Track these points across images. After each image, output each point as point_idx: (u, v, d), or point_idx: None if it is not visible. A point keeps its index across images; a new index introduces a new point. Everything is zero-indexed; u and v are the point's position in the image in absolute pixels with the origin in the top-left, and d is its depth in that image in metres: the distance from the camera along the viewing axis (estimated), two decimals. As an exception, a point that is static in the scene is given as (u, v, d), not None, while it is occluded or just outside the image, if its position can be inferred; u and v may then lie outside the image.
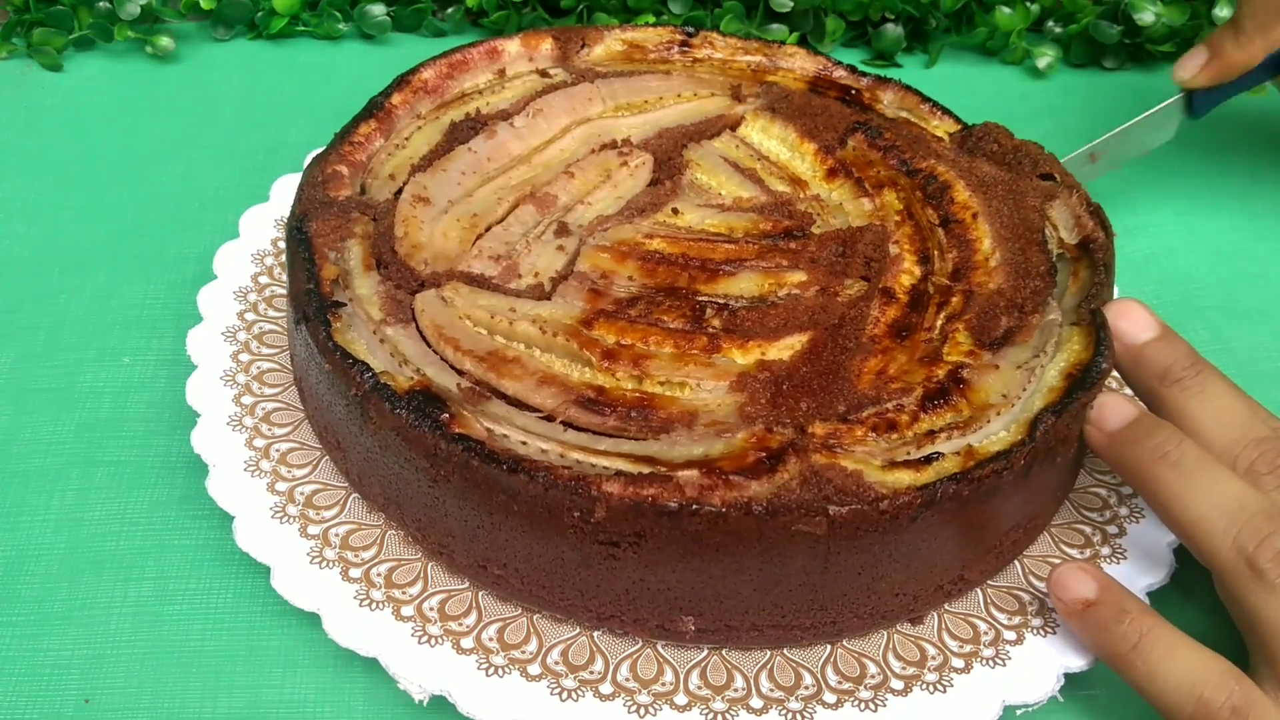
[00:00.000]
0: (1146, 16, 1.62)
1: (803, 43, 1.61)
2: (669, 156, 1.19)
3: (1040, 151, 1.18)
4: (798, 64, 1.33)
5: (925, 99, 1.27)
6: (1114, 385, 1.12)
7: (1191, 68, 1.25)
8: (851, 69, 1.32)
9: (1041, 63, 1.65)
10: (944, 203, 1.13)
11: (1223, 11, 1.65)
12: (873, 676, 0.93)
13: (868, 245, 1.08)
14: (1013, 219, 1.11)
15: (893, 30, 1.65)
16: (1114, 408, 0.97)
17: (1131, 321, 1.02)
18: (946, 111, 1.26)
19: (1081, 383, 0.95)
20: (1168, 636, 0.90)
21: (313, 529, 0.98)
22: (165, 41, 1.58)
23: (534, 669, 0.91)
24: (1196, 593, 1.03)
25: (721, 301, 1.02)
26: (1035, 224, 1.11)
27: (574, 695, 0.89)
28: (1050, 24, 1.69)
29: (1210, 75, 1.25)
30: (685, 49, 1.33)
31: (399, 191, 1.11)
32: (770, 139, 1.23)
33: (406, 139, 1.18)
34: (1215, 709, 0.86)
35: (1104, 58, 1.68)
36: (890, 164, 1.19)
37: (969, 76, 1.65)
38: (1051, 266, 1.07)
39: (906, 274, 1.06)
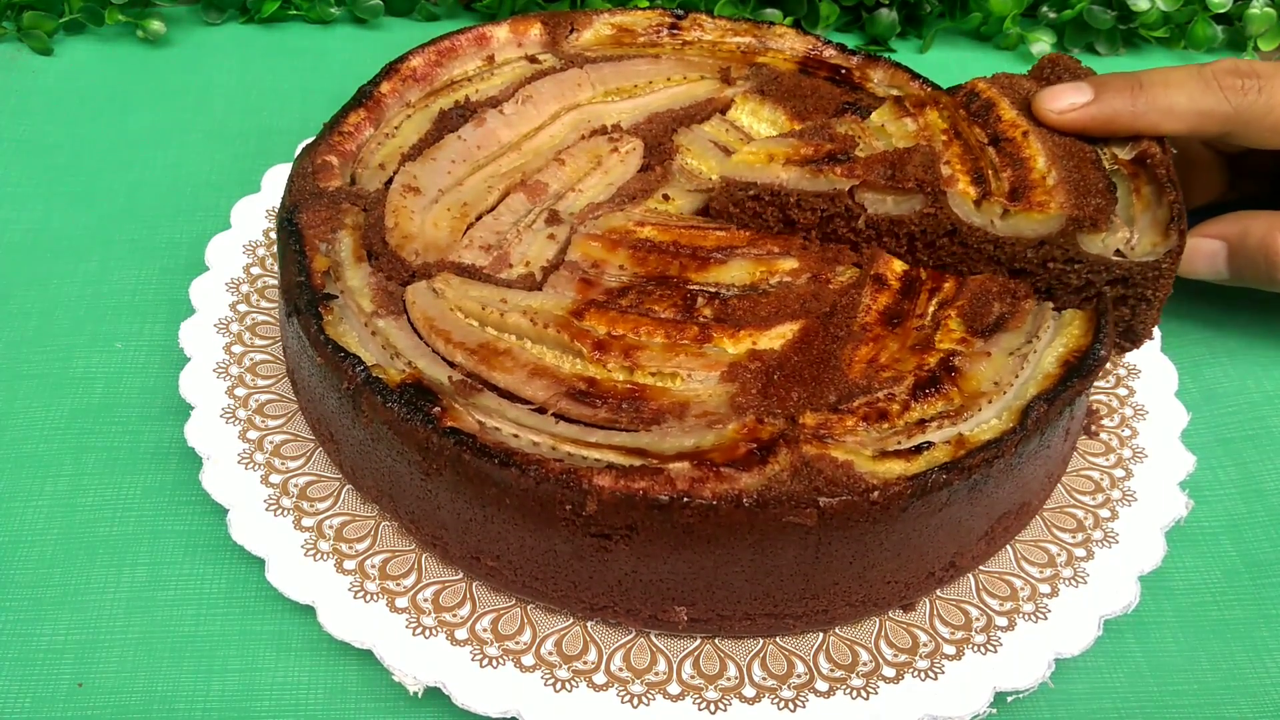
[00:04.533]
0: (1141, 2, 1.62)
1: (796, 27, 1.60)
2: (659, 141, 1.19)
3: (1077, 65, 1.16)
4: (787, 44, 1.33)
5: (915, 75, 1.26)
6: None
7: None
8: (841, 48, 1.31)
9: (1035, 48, 1.64)
10: (990, 121, 1.10)
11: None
12: (865, 664, 0.93)
13: (917, 166, 1.05)
14: (1063, 138, 1.09)
15: (886, 15, 1.64)
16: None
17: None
18: (936, 87, 1.25)
19: (1079, 369, 0.95)
20: (1158, 73, 1.09)
21: (307, 521, 0.98)
22: (156, 25, 1.58)
23: (528, 659, 0.91)
24: (1186, 589, 1.04)
25: (713, 290, 1.02)
26: (1085, 142, 1.09)
27: (568, 686, 0.90)
28: (1044, 9, 1.69)
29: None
30: (675, 32, 1.33)
31: (389, 181, 1.11)
32: (760, 122, 1.22)
33: (396, 128, 1.17)
34: (1239, 69, 1.12)
35: (1097, 43, 1.68)
36: (925, 86, 1.19)
37: (963, 62, 1.65)
38: (1110, 184, 1.05)
39: (963, 194, 1.03)
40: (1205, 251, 1.18)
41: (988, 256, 1.06)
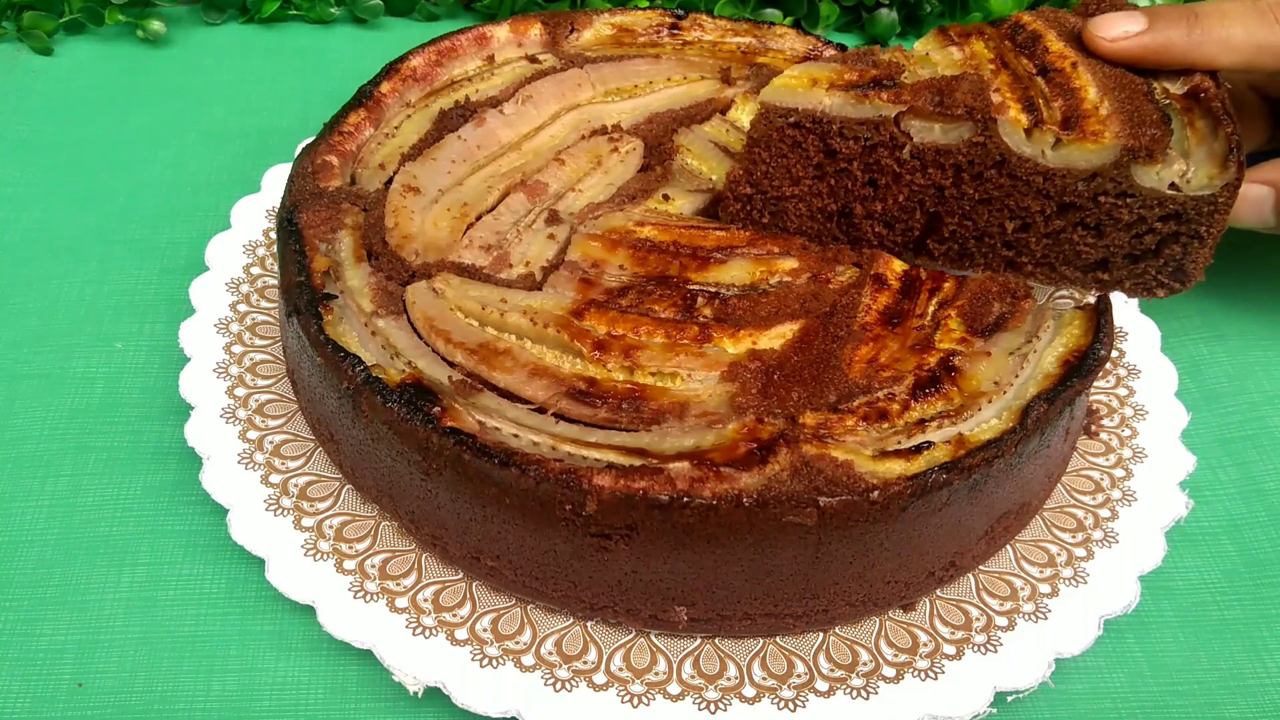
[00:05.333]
0: (1140, 3, 1.62)
1: (796, 27, 1.60)
2: (659, 141, 1.19)
3: (1122, 1, 1.13)
4: (787, 45, 1.33)
5: None
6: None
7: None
8: (841, 48, 1.31)
9: (1035, 45, 1.64)
10: (1037, 52, 1.08)
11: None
12: (865, 664, 0.93)
13: (966, 93, 1.02)
14: (1113, 70, 1.07)
15: (886, 15, 1.64)
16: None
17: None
18: None
19: (1078, 369, 0.95)
20: (1212, 5, 1.09)
21: (307, 521, 0.98)
22: (156, 25, 1.58)
23: (528, 659, 0.91)
24: (1186, 589, 1.04)
25: (713, 290, 1.02)
26: (1136, 75, 1.07)
27: (568, 686, 0.90)
28: (1043, 7, 1.68)
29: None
30: (675, 32, 1.33)
31: (389, 181, 1.11)
32: (761, 122, 1.22)
33: (396, 128, 1.17)
34: None
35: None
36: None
37: (962, 59, 1.64)
38: (1164, 116, 1.03)
39: (1014, 122, 1.01)
40: (1252, 198, 1.16)
41: (1036, 190, 1.04)
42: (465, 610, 0.94)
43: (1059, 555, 1.00)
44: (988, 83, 1.04)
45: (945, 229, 1.10)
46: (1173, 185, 1.01)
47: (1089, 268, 1.08)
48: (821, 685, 0.91)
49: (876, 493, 0.86)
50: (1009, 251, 1.10)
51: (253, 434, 1.04)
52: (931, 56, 1.09)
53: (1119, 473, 1.07)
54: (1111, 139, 1.00)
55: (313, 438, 1.04)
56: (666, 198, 1.13)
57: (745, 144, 1.11)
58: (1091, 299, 1.03)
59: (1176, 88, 1.06)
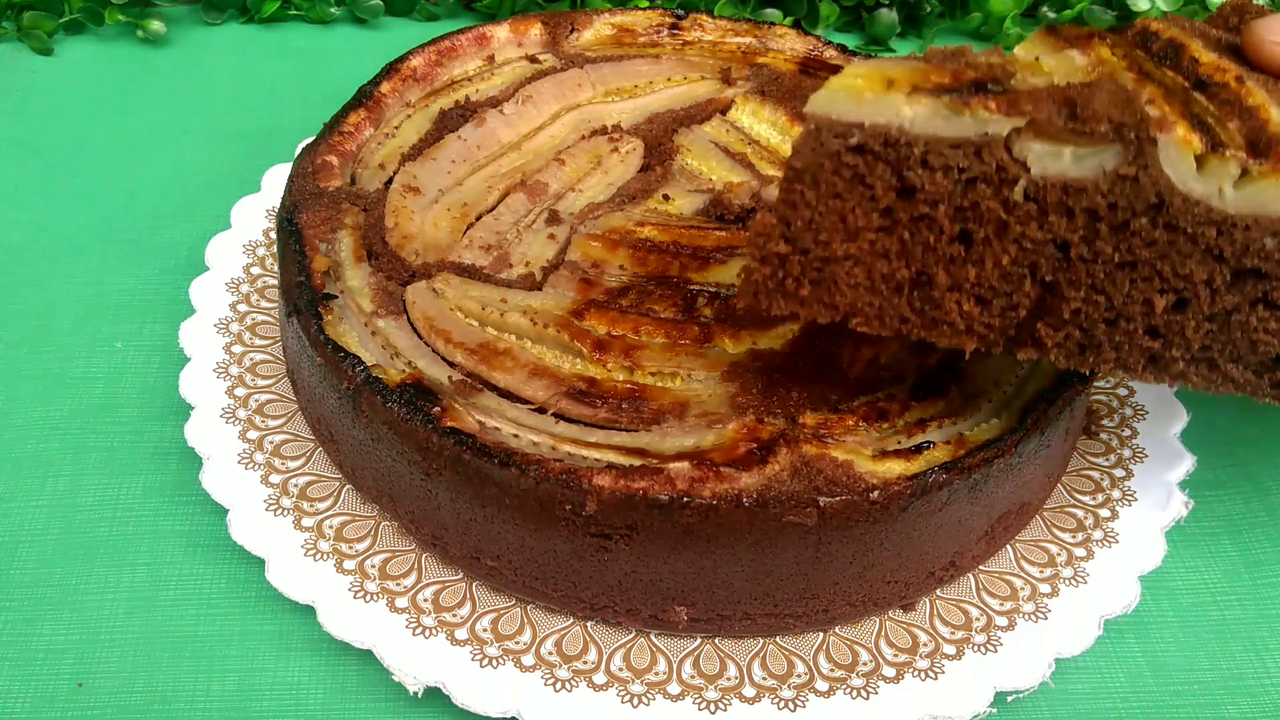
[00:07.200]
0: (1141, 2, 1.62)
1: (796, 27, 1.60)
2: (659, 142, 1.19)
3: (1270, 12, 0.87)
4: (788, 45, 1.33)
5: None
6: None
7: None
8: (842, 48, 1.31)
9: (1035, 46, 1.64)
10: (1183, 63, 0.81)
11: (1218, -3, 1.64)
12: (865, 664, 0.93)
13: (1108, 103, 0.74)
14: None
15: (887, 15, 1.64)
16: None
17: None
18: None
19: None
20: None
21: (307, 521, 0.98)
22: (156, 25, 1.58)
23: (528, 659, 0.91)
24: (1186, 589, 1.04)
25: (713, 290, 1.02)
26: None
27: (568, 686, 0.90)
28: (1044, 9, 1.69)
29: None
30: (675, 32, 1.33)
31: (389, 181, 1.11)
32: (761, 122, 1.22)
33: (396, 128, 1.18)
34: None
35: (1098, 42, 1.68)
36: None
37: (962, 60, 1.65)
38: None
39: (1182, 143, 0.74)
40: None
41: (1205, 248, 0.77)
42: (465, 610, 0.94)
43: (1059, 555, 1.00)
44: (1135, 92, 0.75)
45: (1065, 308, 0.82)
46: None
47: (1268, 366, 0.82)
48: (821, 685, 0.91)
49: (876, 493, 0.86)
50: (1153, 341, 0.82)
51: (253, 434, 1.04)
52: (1043, 62, 0.80)
53: (1119, 473, 1.07)
54: None
55: (313, 438, 1.04)
56: (666, 198, 1.13)
57: (781, 180, 0.81)
58: None
59: None
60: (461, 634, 0.92)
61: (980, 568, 1.00)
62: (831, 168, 0.79)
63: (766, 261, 0.83)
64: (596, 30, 1.32)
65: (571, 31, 1.31)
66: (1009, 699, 0.92)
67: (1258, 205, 0.74)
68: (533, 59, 1.27)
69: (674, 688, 0.91)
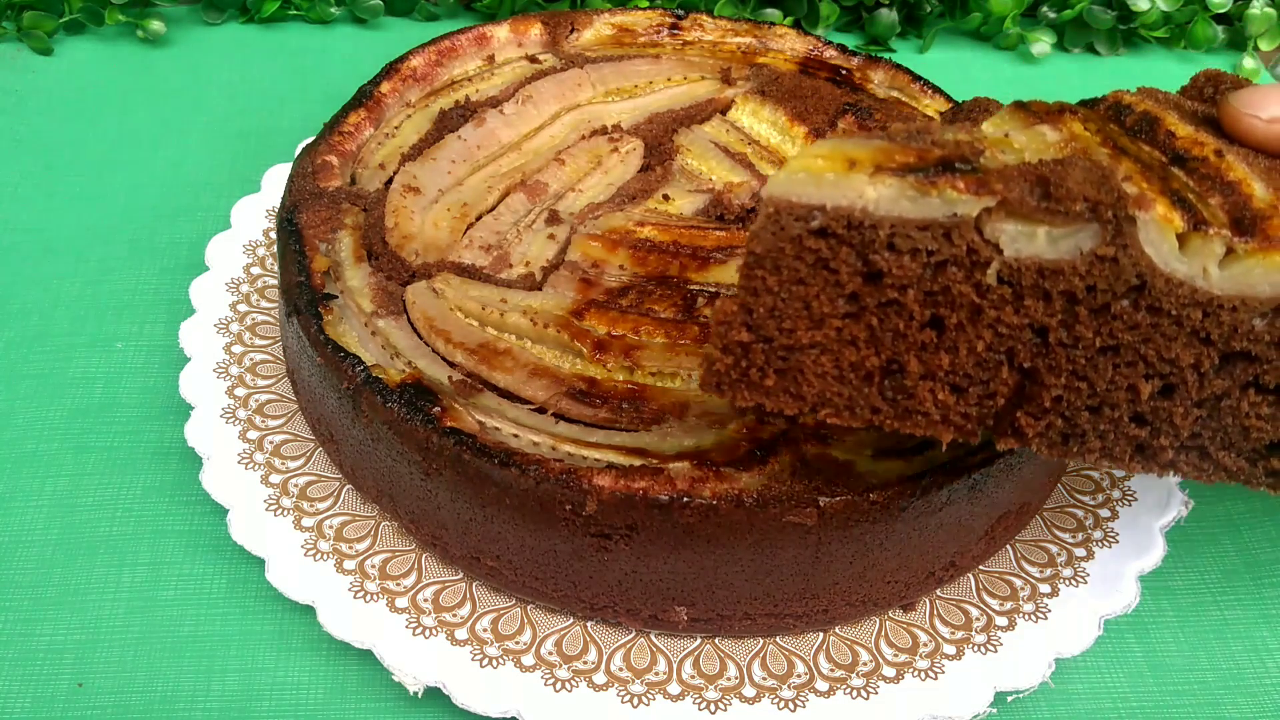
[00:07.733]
0: (1141, 2, 1.62)
1: (796, 27, 1.60)
2: (659, 142, 1.19)
3: (1246, 82, 0.86)
4: (788, 45, 1.33)
5: (916, 78, 1.27)
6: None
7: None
8: (842, 48, 1.31)
9: (1036, 48, 1.65)
10: (1160, 137, 0.79)
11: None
12: (865, 664, 0.93)
13: (1082, 183, 0.70)
14: (1272, 161, 0.79)
15: (887, 15, 1.64)
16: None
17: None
18: (938, 90, 1.25)
19: None
20: None
21: (307, 521, 0.98)
22: (156, 25, 1.58)
23: (528, 659, 0.91)
24: (1186, 589, 1.04)
25: (713, 290, 1.02)
26: None
27: (568, 686, 0.90)
28: (1044, 9, 1.69)
29: None
30: (675, 32, 1.33)
31: (389, 181, 1.11)
32: (761, 122, 1.22)
33: (396, 128, 1.17)
34: None
35: (1097, 43, 1.68)
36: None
37: (963, 62, 1.65)
38: None
39: (1162, 222, 0.71)
40: None
41: (1191, 331, 0.74)
42: (465, 610, 0.94)
43: (1059, 555, 1.00)
44: (1110, 169, 0.73)
45: (1046, 395, 0.78)
46: None
47: (1261, 453, 0.79)
48: (821, 685, 0.91)
49: (876, 493, 0.86)
50: (1140, 429, 0.78)
51: (253, 434, 1.04)
52: (1013, 139, 0.77)
53: (1119, 472, 1.07)
54: None
55: (313, 438, 1.04)
56: (666, 198, 1.13)
57: (742, 265, 0.77)
58: None
59: None
60: (461, 634, 0.92)
61: (980, 568, 1.00)
62: (793, 252, 0.75)
63: (729, 351, 0.79)
64: (596, 30, 1.32)
65: (571, 31, 1.31)
66: (1009, 699, 0.93)
67: (1244, 285, 0.72)
68: (533, 59, 1.27)
69: (674, 688, 0.91)
